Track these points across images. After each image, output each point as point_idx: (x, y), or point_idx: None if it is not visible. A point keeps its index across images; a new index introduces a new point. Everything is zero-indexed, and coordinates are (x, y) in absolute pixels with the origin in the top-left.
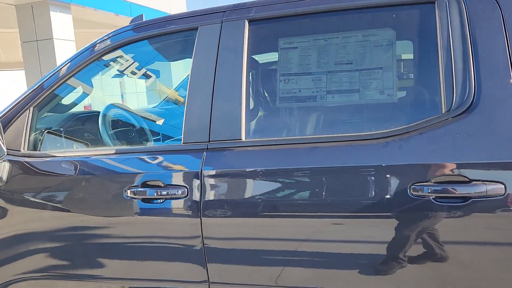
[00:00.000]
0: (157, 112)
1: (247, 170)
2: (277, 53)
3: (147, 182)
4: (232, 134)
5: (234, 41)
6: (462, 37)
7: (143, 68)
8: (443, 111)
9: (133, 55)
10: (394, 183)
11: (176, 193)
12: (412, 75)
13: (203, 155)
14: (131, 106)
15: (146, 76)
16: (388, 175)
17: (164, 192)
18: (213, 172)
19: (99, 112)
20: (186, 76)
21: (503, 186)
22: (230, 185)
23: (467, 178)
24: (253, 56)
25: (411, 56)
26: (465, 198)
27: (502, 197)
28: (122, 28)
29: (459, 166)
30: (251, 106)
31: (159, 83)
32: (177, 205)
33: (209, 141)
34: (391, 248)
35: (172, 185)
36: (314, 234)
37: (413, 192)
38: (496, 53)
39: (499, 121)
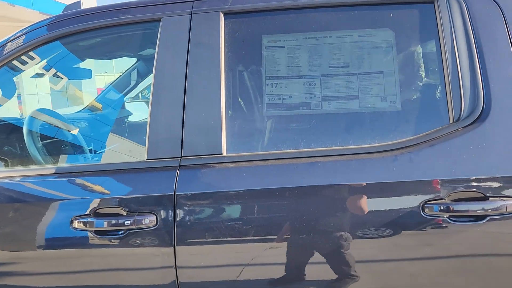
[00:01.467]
0: (88, 119)
1: (231, 191)
2: (261, 52)
3: (99, 210)
4: (210, 148)
5: (209, 36)
6: (466, 40)
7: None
8: (451, 121)
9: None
10: (405, 202)
11: (143, 222)
12: (416, 80)
13: (176, 174)
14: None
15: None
16: (399, 193)
17: (127, 222)
18: (189, 195)
19: (19, 119)
20: (118, 76)
21: None
22: (210, 210)
23: (483, 194)
24: (233, 55)
25: (413, 60)
26: (482, 217)
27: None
28: (45, 20)
29: (474, 181)
30: (233, 113)
31: (72, 85)
32: (144, 236)
33: (182, 156)
34: (402, 272)
35: (137, 212)
36: (317, 258)
37: (427, 211)
38: (502, 55)
39: (507, 132)
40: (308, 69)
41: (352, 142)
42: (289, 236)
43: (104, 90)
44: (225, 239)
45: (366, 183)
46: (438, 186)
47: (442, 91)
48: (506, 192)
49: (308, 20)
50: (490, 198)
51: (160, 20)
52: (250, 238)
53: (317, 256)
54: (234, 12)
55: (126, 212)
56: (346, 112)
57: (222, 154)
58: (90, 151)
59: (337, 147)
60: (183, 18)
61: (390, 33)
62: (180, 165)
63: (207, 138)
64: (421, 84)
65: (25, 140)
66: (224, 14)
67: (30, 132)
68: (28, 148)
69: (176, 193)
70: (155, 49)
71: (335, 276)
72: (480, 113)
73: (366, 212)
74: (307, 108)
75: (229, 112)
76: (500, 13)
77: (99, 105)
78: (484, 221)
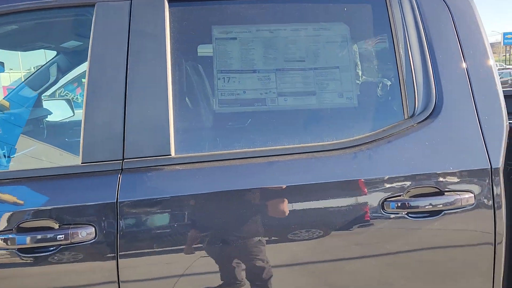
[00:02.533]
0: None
1: (182, 195)
2: (211, 44)
3: (23, 225)
4: (157, 148)
5: (152, 25)
6: (418, 37)
7: None
8: (406, 116)
9: None
10: (366, 199)
11: (79, 235)
12: (371, 76)
13: (118, 178)
14: None
15: None
16: (360, 191)
17: (59, 236)
18: (134, 202)
19: None
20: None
21: (473, 195)
22: (158, 217)
23: (439, 189)
24: (180, 46)
25: (368, 55)
26: (438, 212)
27: (472, 207)
28: None
29: (431, 176)
30: (182, 110)
31: None
32: (81, 250)
33: (124, 159)
34: (364, 271)
35: (72, 224)
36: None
37: (386, 209)
38: (452, 52)
39: (460, 126)
40: (262, 63)
41: (311, 139)
42: (251, 240)
43: (16, 88)
44: (175, 247)
45: (327, 182)
46: (397, 183)
47: (396, 87)
48: (460, 186)
49: (262, 12)
50: (446, 193)
51: (94, 5)
52: (204, 246)
53: (283, 257)
54: None
55: (58, 224)
56: (303, 109)
57: (170, 155)
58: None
59: (296, 145)
60: (122, 4)
61: (344, 27)
62: (122, 169)
63: (153, 138)
64: (376, 79)
65: None
66: (169, 1)
67: None
68: None
69: (119, 200)
70: (81, 40)
71: (302, 277)
72: (433, 108)
73: (329, 211)
74: (262, 104)
75: (178, 108)
76: (448, 12)
77: (7, 104)
78: (440, 215)
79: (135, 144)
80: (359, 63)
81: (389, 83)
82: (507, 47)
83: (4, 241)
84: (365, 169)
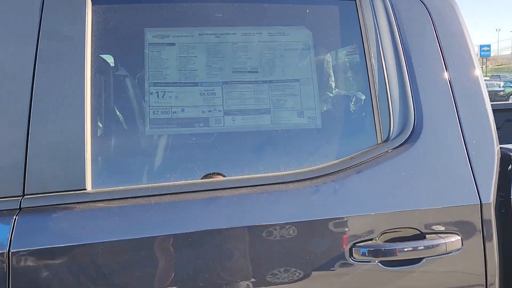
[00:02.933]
0: None
1: (99, 242)
2: (143, 50)
3: None
4: (69, 181)
5: (69, 26)
6: (392, 44)
7: None
8: (380, 141)
9: None
10: (331, 244)
11: None
12: (338, 91)
13: (12, 221)
14: None
15: None
16: (323, 234)
17: None
18: (32, 252)
19: None
20: None
21: (460, 238)
22: (66, 271)
23: (419, 231)
24: (103, 52)
25: (335, 67)
26: (418, 259)
27: (459, 251)
28: None
29: (409, 215)
30: (102, 132)
31: None
32: None
33: (24, 195)
34: None
35: None
36: None
37: (355, 256)
38: (432, 63)
39: (443, 152)
40: (206, 74)
41: (263, 168)
42: None
43: None
44: None
45: (282, 223)
46: (368, 223)
47: (368, 105)
48: (445, 227)
49: (206, 12)
50: (427, 236)
51: None
52: None
53: None
54: None
55: None
56: (255, 130)
57: (85, 189)
58: None
59: (244, 176)
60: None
61: (306, 32)
62: (20, 208)
63: (64, 167)
64: (344, 95)
65: None
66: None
67: None
68: None
69: (11, 250)
70: None
71: None
72: (411, 131)
73: (281, 259)
74: (205, 125)
75: (97, 130)
76: (427, 14)
77: None
78: (421, 263)
79: (40, 175)
80: (332, 73)
81: (363, 97)
82: (483, 59)
83: None
84: (329, 207)
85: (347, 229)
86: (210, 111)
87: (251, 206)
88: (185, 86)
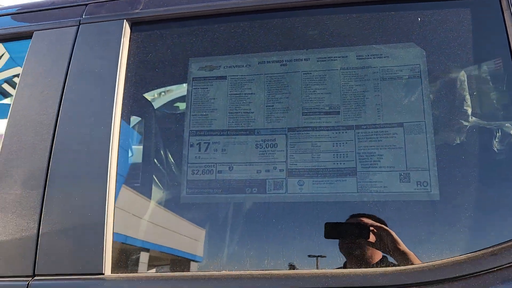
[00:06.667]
0: None
1: None
2: (185, 87)
3: None
4: (82, 262)
5: (100, 60)
6: None
7: None
8: None
9: None
10: None
11: None
12: (474, 120)
13: None
14: None
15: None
16: None
17: None
18: None
19: None
20: None
21: None
22: None
23: None
24: (135, 91)
25: (462, 99)
26: None
27: None
28: None
29: None
30: (126, 197)
31: None
32: None
33: (35, 275)
34: None
35: None
36: None
37: None
38: None
39: None
40: (265, 117)
41: (340, 261)
42: None
43: None
44: None
45: None
46: None
47: None
48: None
49: (270, 32)
50: None
51: (31, 35)
52: None
53: None
54: (147, 21)
55: None
56: (332, 201)
57: (102, 273)
58: None
59: (313, 271)
60: (66, 31)
61: (416, 51)
62: None
63: (79, 244)
64: (483, 128)
65: None
66: (132, 24)
67: None
68: None
69: None
70: None
71: None
72: None
73: None
74: (260, 191)
75: (122, 195)
76: None
77: None
78: None
79: (52, 253)
80: (467, 97)
81: (505, 153)
82: None
83: None
84: None
85: None
86: (269, 170)
87: None
88: (236, 135)
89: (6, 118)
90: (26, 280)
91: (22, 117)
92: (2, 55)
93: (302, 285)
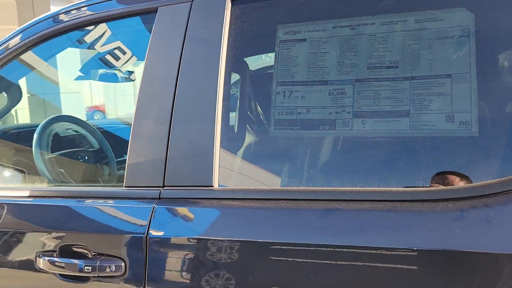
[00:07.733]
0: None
1: (221, 239)
2: (273, 48)
3: (64, 247)
4: (197, 177)
5: (208, 29)
6: None
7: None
8: None
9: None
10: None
11: (108, 269)
12: (505, 89)
13: (152, 209)
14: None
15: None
16: (462, 270)
17: (88, 268)
18: (164, 239)
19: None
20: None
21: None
22: (193, 262)
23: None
24: (236, 54)
25: (502, 57)
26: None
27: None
28: None
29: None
30: (230, 133)
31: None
32: (109, 287)
33: (164, 186)
34: None
35: (103, 255)
36: None
37: None
38: None
39: None
40: (336, 71)
41: (395, 182)
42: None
43: None
44: None
45: (406, 248)
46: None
47: None
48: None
49: (342, 1)
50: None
51: (156, 10)
52: None
53: None
54: None
55: (91, 254)
56: (389, 136)
57: (212, 186)
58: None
59: (371, 188)
60: (182, 6)
61: (466, 15)
62: (159, 197)
63: (194, 163)
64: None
65: (33, 150)
66: (232, 0)
67: (39, 140)
68: (35, 160)
69: (148, 235)
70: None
71: None
72: None
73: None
74: (331, 128)
75: (226, 129)
76: None
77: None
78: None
79: (176, 170)
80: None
81: None
82: None
83: (48, 264)
84: (475, 238)
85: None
86: (338, 112)
87: (372, 224)
88: (313, 85)
89: (113, 82)
90: (159, 189)
91: (152, 73)
92: (105, 32)
93: (368, 198)
